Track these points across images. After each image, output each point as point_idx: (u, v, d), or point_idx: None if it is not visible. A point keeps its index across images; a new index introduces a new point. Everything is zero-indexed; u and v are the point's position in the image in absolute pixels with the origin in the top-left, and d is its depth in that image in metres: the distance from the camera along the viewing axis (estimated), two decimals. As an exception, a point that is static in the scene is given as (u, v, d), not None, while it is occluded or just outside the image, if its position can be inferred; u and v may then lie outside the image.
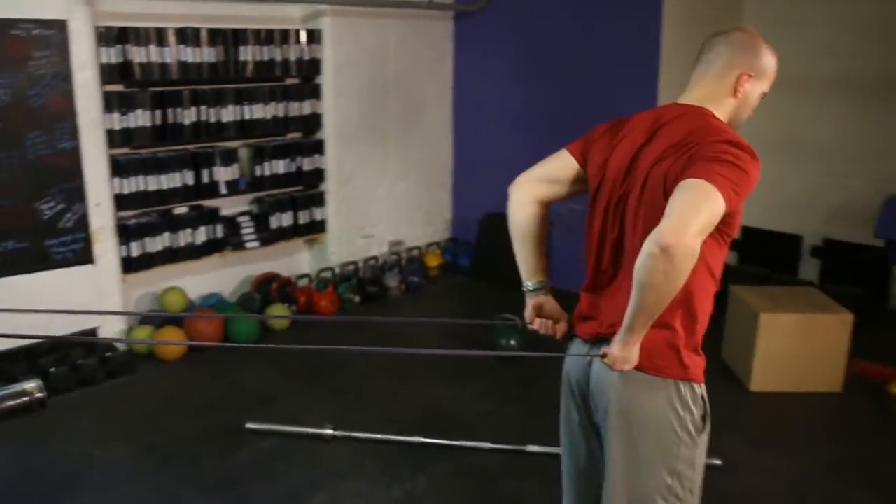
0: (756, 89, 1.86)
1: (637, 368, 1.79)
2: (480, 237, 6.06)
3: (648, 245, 1.57)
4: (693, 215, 1.58)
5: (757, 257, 5.64)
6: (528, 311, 2.07)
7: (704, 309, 1.83)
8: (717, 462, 3.24)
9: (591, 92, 5.41)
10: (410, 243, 6.09)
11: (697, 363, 1.86)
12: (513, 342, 4.47)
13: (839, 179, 5.41)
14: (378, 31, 5.51)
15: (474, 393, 4.06)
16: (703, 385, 1.88)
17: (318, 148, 5.32)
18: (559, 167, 2.00)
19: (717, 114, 1.84)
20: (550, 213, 2.04)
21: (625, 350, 1.74)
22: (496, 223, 6.00)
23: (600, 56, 5.34)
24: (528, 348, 4.44)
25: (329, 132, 5.34)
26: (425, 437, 3.54)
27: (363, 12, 5.34)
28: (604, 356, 1.76)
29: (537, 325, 2.06)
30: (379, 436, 3.56)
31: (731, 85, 1.84)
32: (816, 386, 4.09)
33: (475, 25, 5.98)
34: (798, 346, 4.05)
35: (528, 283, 2.04)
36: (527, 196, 2.00)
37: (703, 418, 1.88)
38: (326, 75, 5.25)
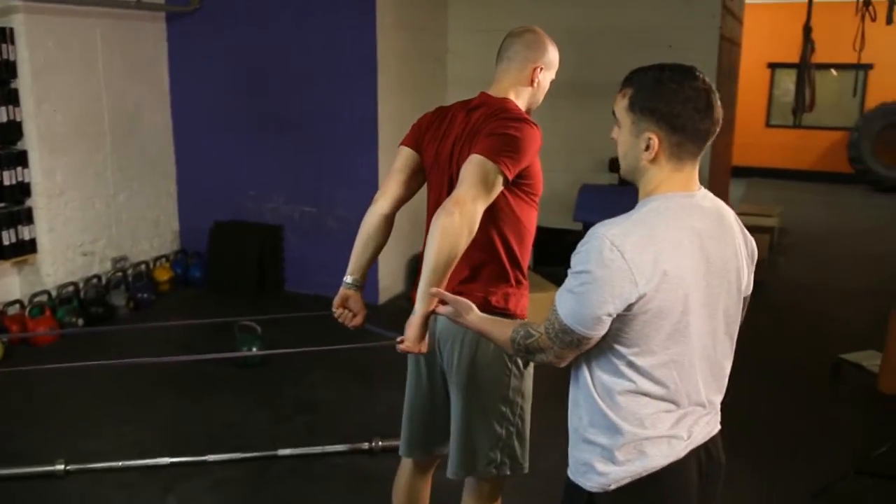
0: (546, 78, 2.22)
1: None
2: (211, 247, 5.88)
3: (439, 208, 1.90)
4: (471, 185, 1.91)
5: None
6: (336, 300, 2.26)
7: (522, 254, 2.18)
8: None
9: (313, 96, 5.48)
10: (137, 258, 5.73)
11: (520, 302, 2.18)
12: (254, 348, 4.41)
13: (545, 173, 6.00)
14: (83, 31, 5.12)
15: (217, 405, 3.95)
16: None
17: (20, 159, 4.82)
18: (405, 164, 2.24)
19: (517, 101, 2.16)
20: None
21: (419, 328, 1.88)
22: (227, 231, 5.87)
23: (319, 61, 5.42)
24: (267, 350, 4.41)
25: (32, 142, 4.86)
26: (171, 456, 3.39)
27: (64, 10, 4.92)
28: (401, 342, 1.91)
29: (338, 313, 2.27)
30: (119, 463, 3.34)
31: (528, 77, 2.17)
32: (539, 358, 4.54)
33: (189, 27, 5.76)
34: (521, 325, 4.48)
35: (349, 277, 2.25)
36: (386, 206, 2.21)
37: None
38: (24, 78, 4.77)
